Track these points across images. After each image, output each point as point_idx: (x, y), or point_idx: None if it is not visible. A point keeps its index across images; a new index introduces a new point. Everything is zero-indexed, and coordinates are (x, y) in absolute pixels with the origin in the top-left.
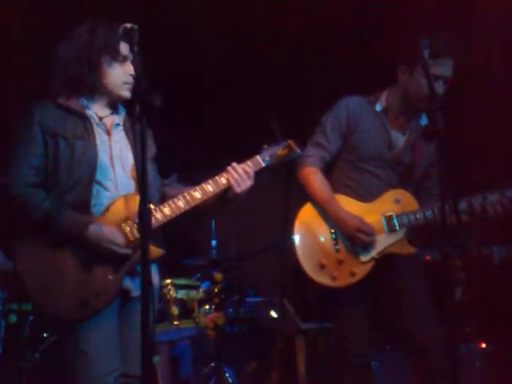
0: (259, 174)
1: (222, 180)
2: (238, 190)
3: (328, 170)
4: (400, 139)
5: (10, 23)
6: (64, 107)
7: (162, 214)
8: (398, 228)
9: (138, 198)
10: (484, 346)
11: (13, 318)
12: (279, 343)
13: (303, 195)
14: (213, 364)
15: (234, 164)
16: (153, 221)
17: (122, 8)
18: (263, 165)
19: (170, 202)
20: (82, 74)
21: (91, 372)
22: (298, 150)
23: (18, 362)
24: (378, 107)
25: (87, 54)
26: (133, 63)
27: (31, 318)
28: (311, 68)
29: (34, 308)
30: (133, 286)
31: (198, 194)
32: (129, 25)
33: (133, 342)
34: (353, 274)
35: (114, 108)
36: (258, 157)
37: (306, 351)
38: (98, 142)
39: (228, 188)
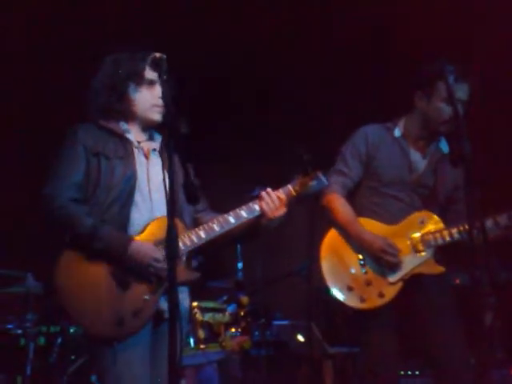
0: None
1: (256, 206)
2: (270, 215)
3: (352, 197)
4: (421, 163)
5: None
6: (106, 129)
7: (197, 236)
8: (424, 248)
9: (176, 220)
10: None
11: (41, 341)
12: (306, 367)
13: (327, 220)
14: None
15: (269, 190)
16: (188, 243)
17: (156, 39)
18: (294, 194)
19: (205, 226)
20: (111, 102)
21: None
22: (326, 181)
23: None
24: (397, 133)
25: (113, 83)
26: (161, 91)
27: (60, 340)
28: (329, 102)
29: (67, 327)
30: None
31: (231, 219)
32: (158, 54)
33: (163, 365)
34: (381, 295)
35: (150, 134)
36: (289, 186)
37: (333, 376)
38: (137, 163)
39: (261, 215)
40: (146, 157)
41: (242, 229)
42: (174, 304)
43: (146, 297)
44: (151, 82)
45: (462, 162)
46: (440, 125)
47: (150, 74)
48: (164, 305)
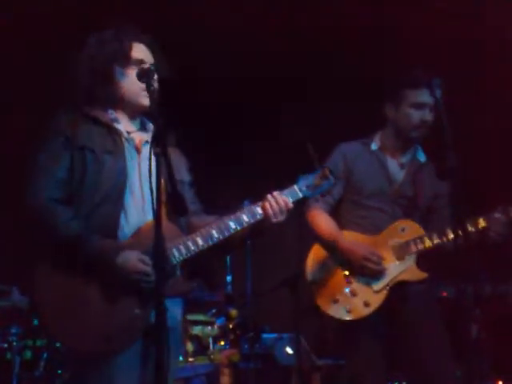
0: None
1: (258, 210)
2: (273, 220)
3: (336, 212)
4: (399, 173)
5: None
6: (91, 118)
7: (194, 242)
8: (406, 255)
9: (168, 223)
10: (501, 383)
11: (27, 355)
12: (295, 380)
13: (313, 235)
14: None
15: (276, 193)
16: (183, 250)
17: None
18: (300, 195)
19: (203, 231)
20: (95, 87)
21: None
22: (332, 179)
23: None
24: (374, 146)
25: (96, 65)
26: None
27: (46, 354)
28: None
29: (52, 341)
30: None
31: (232, 224)
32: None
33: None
34: (367, 305)
35: (141, 123)
36: (295, 187)
37: None
38: (127, 158)
39: (262, 220)
40: (138, 150)
41: (240, 234)
42: (161, 318)
43: (137, 311)
44: (140, 63)
45: (450, 175)
46: (411, 131)
47: (138, 52)
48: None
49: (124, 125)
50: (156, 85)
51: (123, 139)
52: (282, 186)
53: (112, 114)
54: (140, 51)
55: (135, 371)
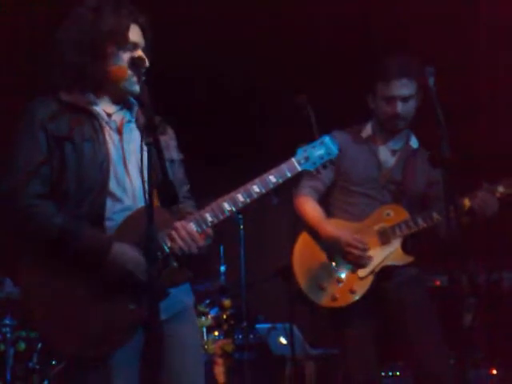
0: (269, 194)
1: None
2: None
3: (327, 200)
4: (390, 159)
5: None
6: (68, 104)
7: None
8: (391, 239)
9: (160, 209)
10: (495, 372)
11: (21, 346)
12: (288, 369)
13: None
14: None
15: (179, 223)
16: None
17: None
18: (299, 169)
19: (197, 216)
20: (84, 63)
21: None
22: (336, 149)
23: None
24: (365, 134)
25: (90, 39)
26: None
27: (40, 345)
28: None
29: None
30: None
31: (227, 205)
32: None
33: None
34: (353, 292)
35: (124, 102)
36: (293, 160)
37: (315, 377)
38: (109, 143)
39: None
40: (119, 132)
41: None
42: (155, 311)
43: (131, 306)
44: (135, 46)
45: (442, 165)
46: (385, 123)
47: (134, 35)
48: None
49: (103, 106)
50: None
51: (103, 123)
52: (279, 159)
53: (89, 96)
54: (136, 34)
55: (135, 367)
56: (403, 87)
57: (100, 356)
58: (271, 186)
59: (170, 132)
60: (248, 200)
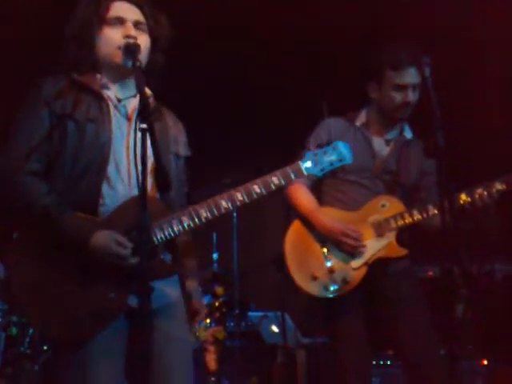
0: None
1: (223, 202)
2: None
3: (317, 187)
4: (384, 149)
5: None
6: (78, 84)
7: (179, 223)
8: (386, 231)
9: (156, 199)
10: (486, 363)
11: (13, 331)
12: (280, 358)
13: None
14: (213, 379)
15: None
16: (167, 231)
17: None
18: (305, 173)
19: (191, 209)
20: (75, 52)
21: None
22: (349, 156)
23: (18, 374)
24: (359, 122)
25: (74, 29)
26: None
27: (31, 330)
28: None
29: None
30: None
31: (224, 203)
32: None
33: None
34: (346, 282)
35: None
36: (299, 163)
37: (306, 366)
38: (113, 127)
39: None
40: (129, 118)
41: None
42: (146, 302)
43: (112, 294)
44: (119, 21)
45: (436, 155)
46: (393, 112)
47: (116, 11)
48: (134, 302)
49: (115, 91)
50: (144, 57)
51: (111, 107)
52: (288, 160)
53: (102, 79)
54: (120, 9)
55: (114, 355)
56: (415, 75)
57: (76, 339)
58: (273, 187)
59: (181, 127)
60: (247, 199)
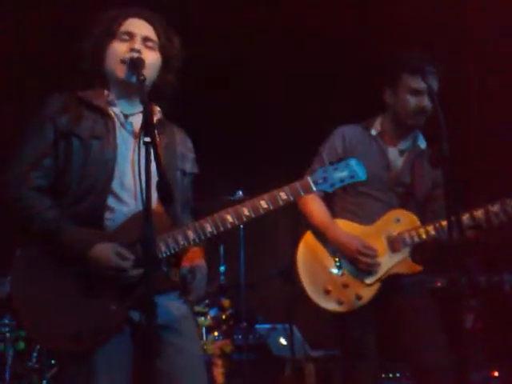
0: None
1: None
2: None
3: (330, 198)
4: (398, 160)
5: None
6: (85, 102)
7: (185, 237)
8: (400, 247)
9: (162, 214)
10: (496, 374)
11: (21, 345)
12: (288, 370)
13: (305, 222)
14: None
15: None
16: (172, 245)
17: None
18: (314, 189)
19: (196, 224)
20: (88, 67)
21: None
22: (363, 173)
23: None
24: (374, 132)
25: (87, 45)
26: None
27: (39, 345)
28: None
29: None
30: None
31: (230, 218)
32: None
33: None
34: (359, 298)
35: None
36: (308, 178)
37: (315, 379)
38: (118, 143)
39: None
40: (136, 135)
41: None
42: (149, 314)
43: (113, 307)
44: (128, 35)
45: (441, 164)
46: (408, 118)
47: (127, 26)
48: (136, 315)
49: (122, 107)
50: (149, 72)
51: (117, 124)
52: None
53: (108, 95)
54: (131, 24)
55: (118, 368)
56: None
57: (79, 352)
58: (281, 203)
59: (189, 144)
60: (253, 215)
